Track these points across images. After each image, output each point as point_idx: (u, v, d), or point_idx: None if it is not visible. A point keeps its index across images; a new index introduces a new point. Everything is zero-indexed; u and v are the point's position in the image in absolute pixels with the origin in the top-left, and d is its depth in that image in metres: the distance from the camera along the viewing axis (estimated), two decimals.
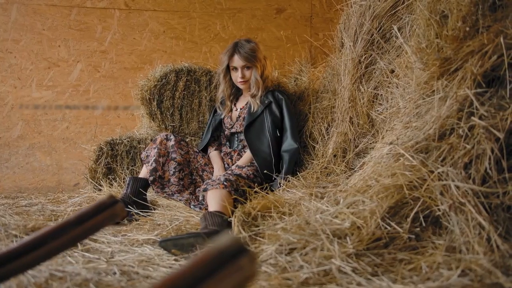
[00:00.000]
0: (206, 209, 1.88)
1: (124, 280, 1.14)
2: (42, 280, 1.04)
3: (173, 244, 1.38)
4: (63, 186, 3.09)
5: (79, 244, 1.49)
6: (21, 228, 1.54)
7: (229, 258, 0.46)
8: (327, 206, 1.51)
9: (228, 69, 2.35)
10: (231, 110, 2.47)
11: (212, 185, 1.85)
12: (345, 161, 2.18)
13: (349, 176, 2.03)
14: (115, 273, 1.20)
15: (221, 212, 1.67)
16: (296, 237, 1.25)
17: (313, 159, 2.29)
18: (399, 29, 2.11)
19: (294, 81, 2.90)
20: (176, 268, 1.28)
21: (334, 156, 2.22)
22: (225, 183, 1.87)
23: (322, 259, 1.17)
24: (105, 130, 3.18)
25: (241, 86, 2.35)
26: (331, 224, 1.34)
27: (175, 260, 1.36)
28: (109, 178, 2.53)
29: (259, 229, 1.43)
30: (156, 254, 1.41)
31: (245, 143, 2.31)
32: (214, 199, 1.76)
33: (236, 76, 2.32)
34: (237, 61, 2.28)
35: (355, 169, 2.10)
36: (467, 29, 1.54)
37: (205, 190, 1.86)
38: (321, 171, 2.17)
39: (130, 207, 1.95)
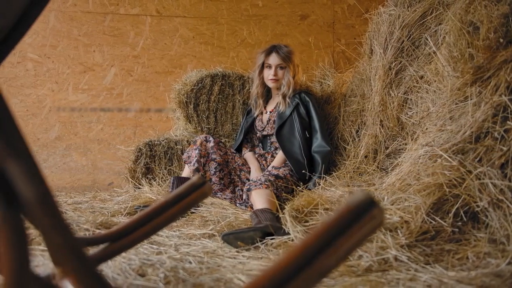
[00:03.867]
0: (251, 207, 2.02)
1: (203, 268, 1.27)
2: (137, 266, 1.18)
3: (235, 237, 1.51)
4: (98, 186, 3.23)
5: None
6: (90, 222, 1.68)
7: (365, 209, 0.58)
8: None
9: (263, 68, 2.49)
10: (261, 112, 2.60)
11: (256, 186, 1.99)
12: (376, 161, 2.31)
13: (382, 176, 2.16)
14: (190, 262, 1.33)
15: (269, 208, 1.81)
16: None
17: (345, 160, 2.42)
18: (427, 37, 2.24)
19: (320, 85, 3.03)
20: (240, 258, 1.41)
21: (365, 157, 2.35)
22: (266, 183, 2.01)
23: (378, 249, 1.30)
24: (138, 132, 3.32)
25: (271, 84, 2.48)
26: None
27: (237, 252, 1.49)
28: (147, 178, 2.67)
29: (311, 224, 1.57)
30: (217, 247, 1.54)
31: (277, 145, 2.45)
32: (260, 198, 1.89)
33: (269, 74, 2.46)
34: (273, 58, 2.43)
35: (387, 170, 2.23)
36: (501, 40, 1.66)
37: (249, 190, 1.99)
38: (353, 171, 2.31)
39: None
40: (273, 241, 1.52)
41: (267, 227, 1.56)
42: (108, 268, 1.13)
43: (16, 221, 0.38)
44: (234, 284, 1.14)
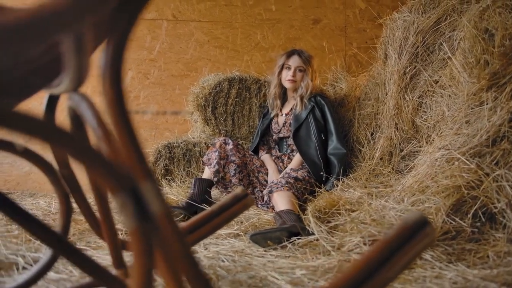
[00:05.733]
0: (273, 208, 2.09)
1: (237, 266, 1.34)
2: None
3: (263, 237, 1.57)
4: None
5: None
6: (122, 223, 1.76)
7: (420, 227, 0.65)
8: (392, 204, 1.71)
9: (282, 69, 2.56)
10: (277, 115, 2.67)
11: (277, 188, 2.06)
12: (391, 164, 2.38)
13: (398, 178, 2.22)
14: (223, 261, 1.41)
15: (291, 210, 1.88)
16: (377, 230, 1.46)
17: (360, 162, 2.49)
18: (441, 43, 2.31)
19: (333, 88, 3.10)
20: (268, 256, 1.48)
21: (381, 159, 2.42)
22: (287, 185, 2.08)
23: None
24: (154, 134, 3.39)
25: (288, 84, 2.55)
26: (401, 218, 1.54)
27: (264, 251, 1.56)
28: (167, 179, 2.74)
29: (337, 223, 1.64)
30: (245, 246, 1.61)
31: (294, 147, 2.52)
32: (282, 200, 1.96)
33: (287, 74, 2.53)
34: (294, 60, 2.51)
35: (402, 172, 2.30)
36: None
37: (270, 192, 2.06)
38: (369, 173, 2.37)
39: (202, 205, 2.15)
40: (299, 240, 1.59)
41: (293, 227, 1.63)
42: None
43: (146, 233, 0.45)
44: (269, 281, 1.21)
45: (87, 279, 1.13)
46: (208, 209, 1.10)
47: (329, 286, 0.59)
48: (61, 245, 0.79)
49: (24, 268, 1.26)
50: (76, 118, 0.75)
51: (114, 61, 0.47)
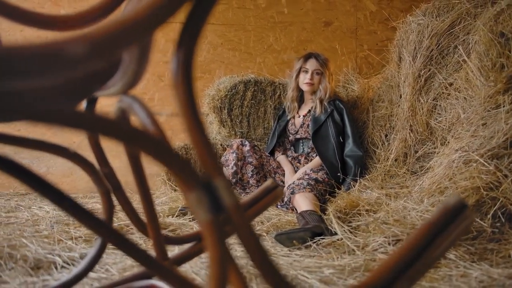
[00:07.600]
0: (293, 209, 2.13)
1: None
2: None
3: (287, 237, 1.62)
4: (130, 187, 3.34)
5: None
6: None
7: (459, 210, 0.69)
8: (412, 205, 1.75)
9: (299, 72, 2.61)
10: (293, 116, 2.71)
11: (299, 189, 2.10)
12: (406, 165, 2.42)
13: (414, 179, 2.26)
14: None
15: (314, 210, 1.92)
16: (400, 230, 1.50)
17: (375, 163, 2.53)
18: (455, 46, 2.35)
19: (346, 90, 3.14)
20: (293, 256, 1.52)
21: (395, 160, 2.46)
22: (308, 187, 2.12)
23: None
24: (169, 135, 3.43)
25: (305, 87, 2.59)
26: (424, 219, 1.58)
27: (289, 250, 1.60)
28: None
29: (358, 223, 1.68)
30: (269, 246, 1.66)
31: (310, 149, 2.56)
32: (305, 201, 2.00)
33: (304, 77, 2.57)
34: (311, 63, 2.55)
35: (417, 173, 2.34)
36: None
37: (292, 193, 2.10)
38: (385, 174, 2.41)
39: None
40: (323, 240, 1.63)
41: (316, 228, 1.67)
42: (188, 266, 1.25)
43: (219, 225, 0.49)
44: (300, 280, 1.25)
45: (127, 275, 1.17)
46: (256, 204, 1.14)
47: (381, 268, 0.62)
48: (114, 237, 0.83)
49: (63, 267, 1.30)
50: (124, 118, 0.80)
51: (186, 66, 0.51)
